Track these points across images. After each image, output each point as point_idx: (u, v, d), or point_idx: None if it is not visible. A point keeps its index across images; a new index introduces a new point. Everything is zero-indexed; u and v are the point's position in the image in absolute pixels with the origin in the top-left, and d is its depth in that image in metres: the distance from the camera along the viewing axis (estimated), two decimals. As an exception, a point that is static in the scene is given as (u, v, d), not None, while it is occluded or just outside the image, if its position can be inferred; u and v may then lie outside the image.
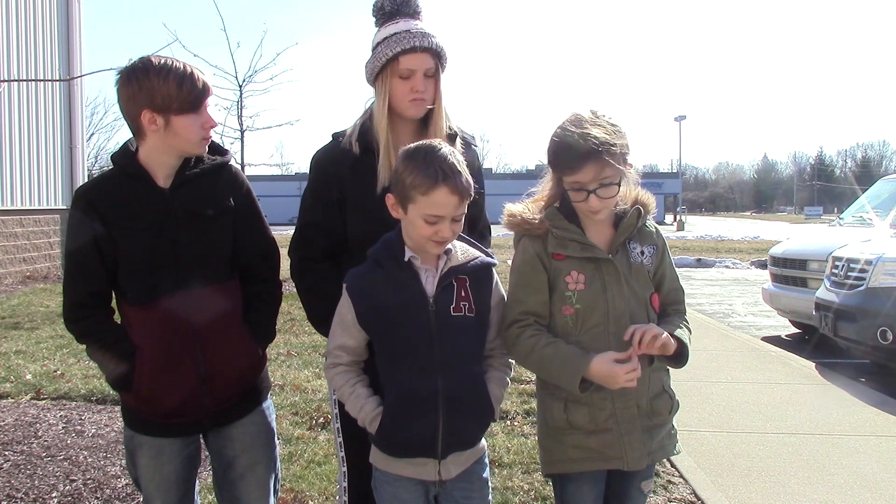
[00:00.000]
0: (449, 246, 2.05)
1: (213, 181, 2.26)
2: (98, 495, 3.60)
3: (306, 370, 6.11)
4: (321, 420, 4.74)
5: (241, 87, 11.32)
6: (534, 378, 2.37)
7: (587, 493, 2.18)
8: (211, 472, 2.47)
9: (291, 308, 8.11)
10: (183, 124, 2.10)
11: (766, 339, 8.58)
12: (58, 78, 12.71)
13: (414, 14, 2.35)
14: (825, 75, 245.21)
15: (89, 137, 29.59)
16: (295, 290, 2.48)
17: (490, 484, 2.23)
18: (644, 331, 2.00)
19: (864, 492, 3.84)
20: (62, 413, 4.88)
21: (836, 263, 6.99)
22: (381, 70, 2.33)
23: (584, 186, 2.04)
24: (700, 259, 19.56)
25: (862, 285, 6.47)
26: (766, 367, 6.77)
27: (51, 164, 13.36)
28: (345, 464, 2.43)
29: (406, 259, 2.03)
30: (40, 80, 13.00)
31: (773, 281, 8.96)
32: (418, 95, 2.31)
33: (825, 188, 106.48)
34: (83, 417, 4.79)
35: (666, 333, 2.03)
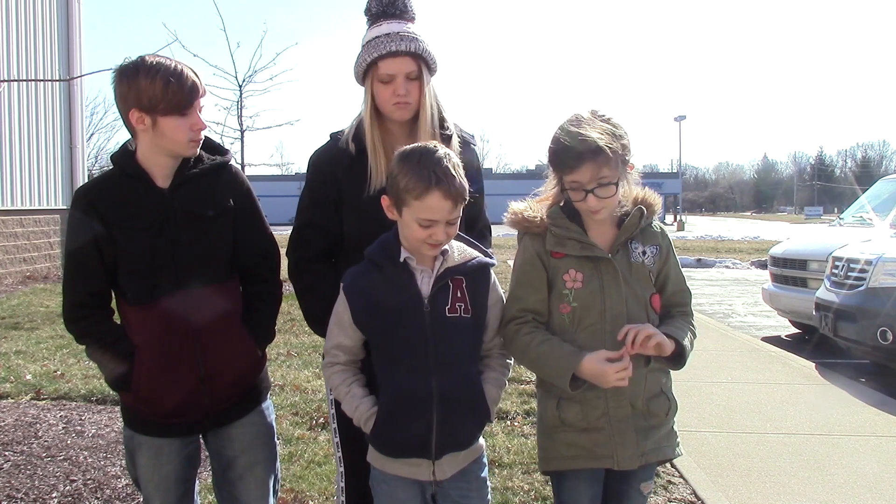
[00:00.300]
0: (445, 247, 2.05)
1: (212, 181, 2.26)
2: (98, 495, 3.60)
3: (306, 370, 6.11)
4: (321, 420, 4.74)
5: (241, 87, 11.33)
6: (534, 378, 2.37)
7: (583, 492, 2.18)
8: (211, 473, 2.47)
9: (291, 308, 8.09)
10: (169, 125, 2.09)
11: (766, 339, 8.58)
12: (58, 78, 12.72)
13: (401, 15, 2.32)
14: (825, 75, 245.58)
15: (89, 137, 29.61)
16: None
17: (489, 484, 2.23)
18: (637, 330, 2.00)
19: (864, 492, 3.84)
20: (62, 413, 4.88)
21: (836, 263, 6.99)
22: (365, 74, 2.34)
23: (583, 186, 2.05)
24: (700, 259, 19.56)
25: (862, 285, 6.47)
26: (766, 367, 6.77)
27: (51, 164, 13.37)
28: (342, 464, 2.44)
29: (402, 260, 2.04)
30: (40, 80, 13.01)
31: (773, 281, 8.96)
32: (400, 99, 2.29)
33: (825, 188, 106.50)
34: (83, 417, 4.79)
35: (660, 334, 2.04)
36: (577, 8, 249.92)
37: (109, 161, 2.29)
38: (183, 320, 2.16)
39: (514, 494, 3.65)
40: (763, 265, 13.93)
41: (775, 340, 8.64)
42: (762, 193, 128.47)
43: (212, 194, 2.24)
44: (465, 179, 2.01)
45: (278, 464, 2.47)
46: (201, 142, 2.20)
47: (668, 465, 4.11)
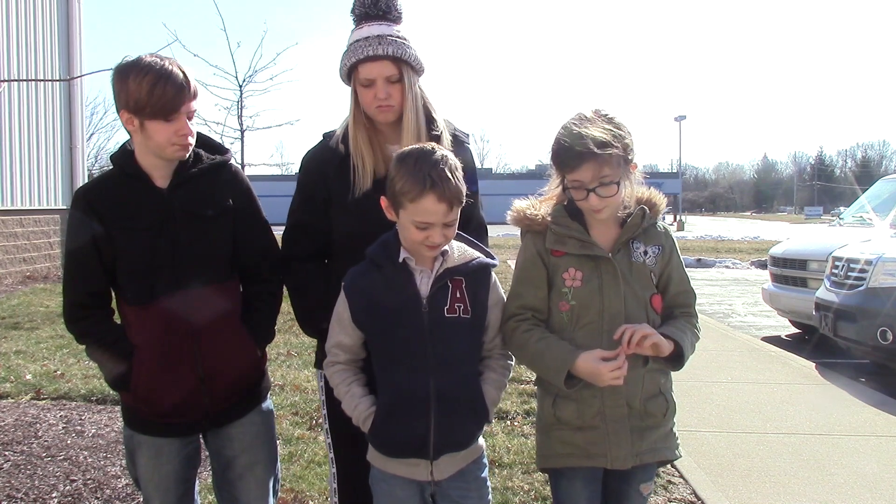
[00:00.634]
0: (446, 247, 2.05)
1: (212, 181, 2.25)
2: (98, 495, 3.60)
3: (306, 370, 6.11)
4: (321, 420, 4.72)
5: (241, 87, 11.30)
6: (533, 378, 2.38)
7: (580, 491, 2.18)
8: (211, 472, 2.47)
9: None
10: (154, 129, 2.08)
11: (766, 339, 8.58)
12: (58, 78, 12.72)
13: (384, 16, 2.30)
14: (825, 75, 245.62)
15: (89, 137, 29.63)
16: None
17: (489, 484, 2.23)
18: (634, 330, 2.01)
19: (864, 492, 3.84)
20: (62, 413, 4.88)
21: (836, 263, 6.99)
22: (349, 76, 2.33)
23: (584, 185, 2.05)
24: (700, 259, 19.57)
25: (862, 285, 6.47)
26: (766, 367, 6.77)
27: (51, 164, 13.37)
28: (335, 464, 2.45)
29: (401, 260, 2.04)
30: (40, 80, 13.01)
31: (773, 281, 8.96)
32: (382, 103, 2.28)
33: (825, 188, 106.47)
34: (83, 417, 4.79)
35: (657, 334, 2.03)
36: (577, 8, 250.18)
37: (109, 161, 2.29)
38: (182, 320, 2.16)
39: (514, 494, 3.65)
40: (763, 265, 13.93)
41: (775, 340, 8.64)
42: (762, 193, 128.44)
43: (211, 194, 2.24)
44: (463, 182, 2.00)
45: (278, 464, 2.48)
46: (189, 147, 2.17)
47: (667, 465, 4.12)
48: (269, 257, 2.39)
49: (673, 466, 4.10)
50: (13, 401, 5.21)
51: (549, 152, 2.15)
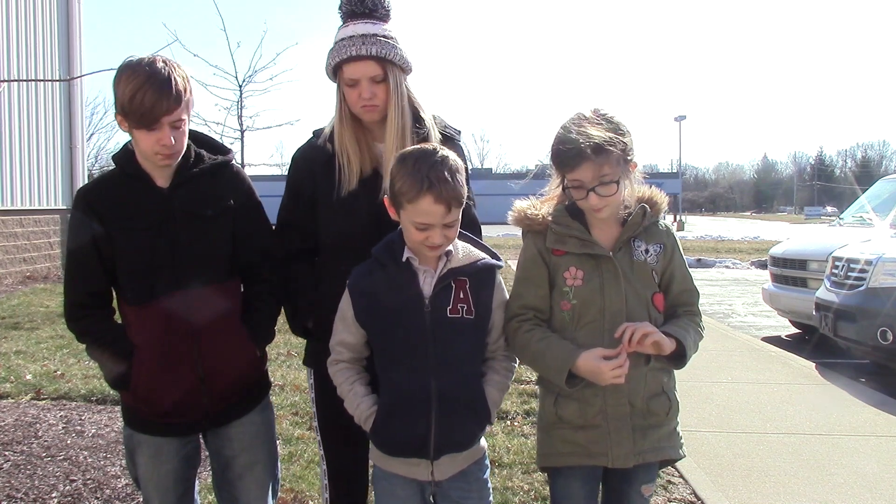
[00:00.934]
0: (449, 247, 2.05)
1: (212, 181, 2.25)
2: (98, 495, 3.60)
3: (306, 370, 6.11)
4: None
5: (241, 87, 11.30)
6: (534, 378, 2.38)
7: (577, 490, 2.18)
8: (210, 472, 2.48)
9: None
10: (138, 136, 2.09)
11: (766, 339, 8.58)
12: (58, 78, 12.71)
13: (370, 14, 2.28)
14: (825, 75, 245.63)
15: (89, 137, 29.63)
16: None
17: (490, 485, 2.23)
18: (635, 328, 2.01)
19: (864, 492, 3.84)
20: (62, 413, 4.88)
21: (836, 263, 6.99)
22: (334, 75, 2.32)
23: (584, 184, 2.06)
24: (700, 259, 19.56)
25: (862, 285, 6.47)
26: (766, 367, 6.77)
27: (51, 164, 13.36)
28: (325, 462, 2.46)
29: (404, 259, 2.04)
30: (40, 80, 13.00)
31: (773, 281, 8.96)
32: (366, 102, 2.27)
33: (825, 188, 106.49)
34: (83, 417, 4.79)
35: (658, 332, 2.04)
36: (577, 8, 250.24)
37: (110, 161, 2.29)
38: (182, 320, 2.16)
39: (513, 494, 3.65)
40: (763, 265, 13.93)
41: (775, 340, 8.64)
42: (762, 193, 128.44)
43: (212, 194, 2.24)
44: (464, 184, 2.00)
45: (278, 464, 2.48)
46: (173, 156, 2.13)
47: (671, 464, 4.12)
48: (270, 257, 2.39)
49: (673, 466, 4.10)
50: (13, 401, 5.21)
51: (549, 152, 2.16)
